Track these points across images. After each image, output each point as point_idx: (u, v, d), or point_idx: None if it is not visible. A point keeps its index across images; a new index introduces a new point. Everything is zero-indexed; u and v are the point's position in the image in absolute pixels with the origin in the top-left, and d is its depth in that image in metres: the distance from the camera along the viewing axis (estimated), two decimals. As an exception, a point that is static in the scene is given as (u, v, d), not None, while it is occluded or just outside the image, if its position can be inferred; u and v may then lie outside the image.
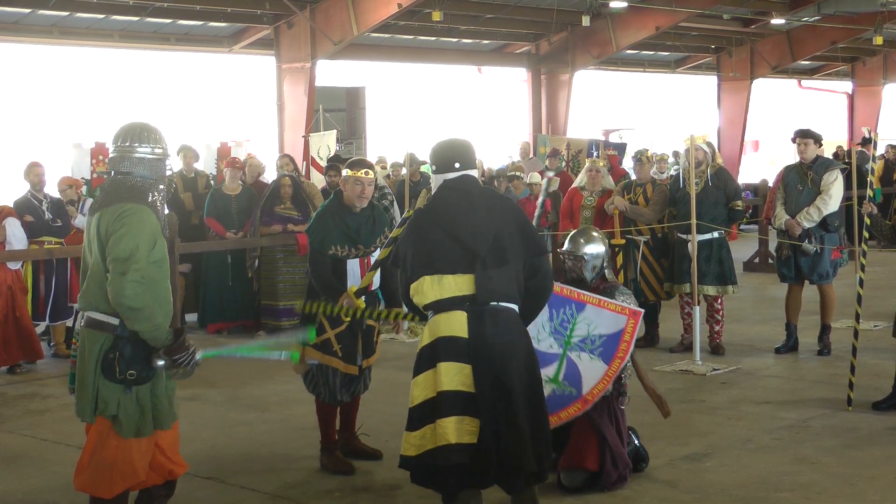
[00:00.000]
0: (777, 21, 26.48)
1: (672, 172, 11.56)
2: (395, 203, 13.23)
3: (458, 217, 5.55)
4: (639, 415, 8.49)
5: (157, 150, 5.36)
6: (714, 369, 9.96)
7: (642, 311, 6.71)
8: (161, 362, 5.14)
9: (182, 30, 20.88)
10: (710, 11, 25.15)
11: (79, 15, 18.98)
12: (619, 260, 11.03)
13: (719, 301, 10.71)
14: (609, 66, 27.99)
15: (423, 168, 16.73)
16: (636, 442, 6.95)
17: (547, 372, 6.38)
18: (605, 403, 6.60)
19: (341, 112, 24.74)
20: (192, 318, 12.78)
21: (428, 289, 5.52)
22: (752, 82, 30.01)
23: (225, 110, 21.31)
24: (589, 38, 25.43)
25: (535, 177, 14.83)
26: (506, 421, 5.39)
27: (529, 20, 24.48)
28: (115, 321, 5.13)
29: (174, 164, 5.32)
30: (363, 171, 7.19)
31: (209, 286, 12.58)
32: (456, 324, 5.46)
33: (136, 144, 5.32)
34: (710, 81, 30.87)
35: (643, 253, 11.01)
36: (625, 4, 22.51)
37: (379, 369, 10.15)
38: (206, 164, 15.87)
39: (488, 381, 5.40)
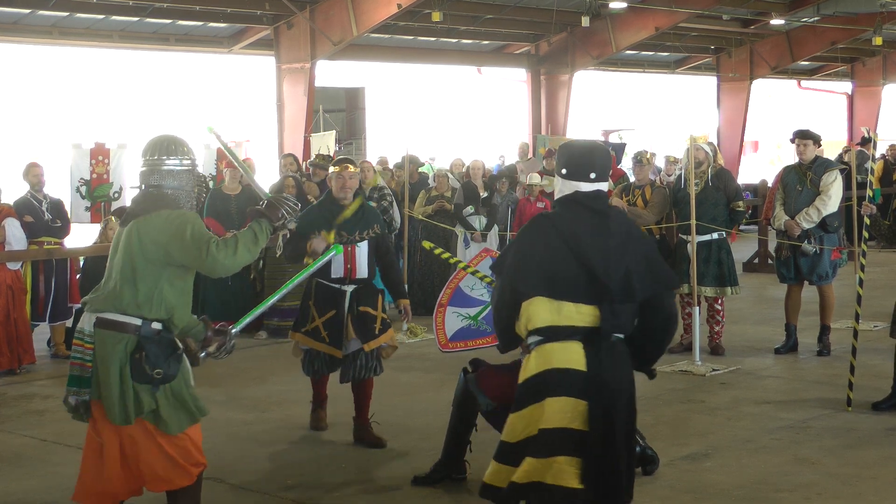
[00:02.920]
0: (776, 21, 26.51)
1: (678, 173, 11.55)
2: (395, 204, 13.22)
3: (591, 241, 4.88)
4: (638, 414, 8.48)
5: (185, 162, 5.46)
6: (714, 370, 9.96)
7: None
8: (203, 353, 5.39)
9: (182, 30, 20.90)
10: (710, 12, 25.18)
11: (78, 15, 18.99)
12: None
13: (719, 302, 10.71)
14: (609, 66, 28.02)
15: (423, 168, 16.73)
16: (641, 443, 6.88)
17: (468, 311, 6.54)
18: None
19: (341, 112, 24.77)
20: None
21: (543, 311, 4.89)
22: (751, 83, 30.05)
23: (225, 110, 21.32)
24: (588, 39, 25.45)
25: (535, 178, 14.82)
26: (608, 461, 4.88)
27: (529, 21, 24.51)
28: (137, 321, 5.21)
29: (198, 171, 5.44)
30: (345, 166, 7.86)
31: (209, 286, 12.56)
32: (573, 355, 4.86)
33: (165, 157, 5.42)
34: (709, 82, 30.91)
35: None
36: (624, 5, 22.53)
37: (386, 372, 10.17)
38: (205, 164, 15.87)
39: (600, 419, 4.85)
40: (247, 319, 5.66)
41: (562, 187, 5.03)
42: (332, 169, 7.94)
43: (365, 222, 7.77)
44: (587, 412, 4.84)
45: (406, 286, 11.86)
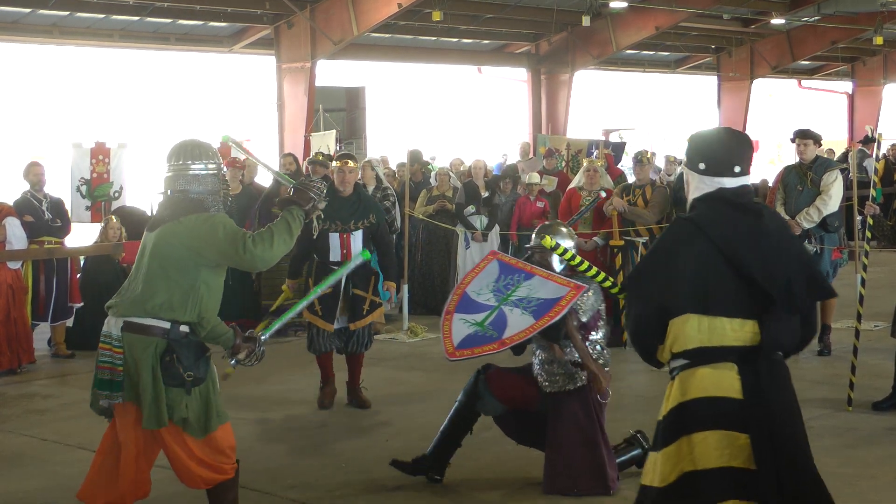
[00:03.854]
0: (777, 21, 26.51)
1: (679, 172, 11.56)
2: (397, 205, 13.21)
3: (747, 244, 4.22)
4: (636, 414, 8.50)
5: (210, 166, 5.48)
6: (714, 369, 9.93)
7: (586, 286, 6.47)
8: (234, 361, 5.46)
9: (182, 29, 20.90)
10: (710, 11, 25.19)
11: (79, 14, 19.00)
12: (618, 261, 11.03)
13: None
14: (609, 66, 28.01)
15: (430, 167, 16.68)
16: (645, 445, 6.85)
17: (475, 317, 6.44)
18: (582, 400, 6.53)
19: (341, 112, 24.76)
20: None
21: (692, 331, 4.18)
22: (752, 82, 30.06)
23: (225, 110, 21.32)
24: (589, 38, 25.46)
25: (535, 177, 14.82)
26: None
27: (529, 20, 24.51)
28: (167, 325, 5.23)
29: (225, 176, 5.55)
30: (345, 161, 8.89)
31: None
32: (726, 380, 4.16)
33: (190, 162, 5.45)
34: (710, 81, 30.92)
35: (641, 254, 11.00)
36: (625, 4, 22.54)
37: (379, 369, 10.19)
38: (206, 163, 15.84)
39: (768, 454, 4.14)
40: (276, 325, 5.71)
41: (699, 184, 4.34)
42: (334, 163, 9.07)
43: (361, 212, 8.74)
44: (749, 447, 4.13)
45: (406, 284, 11.93)
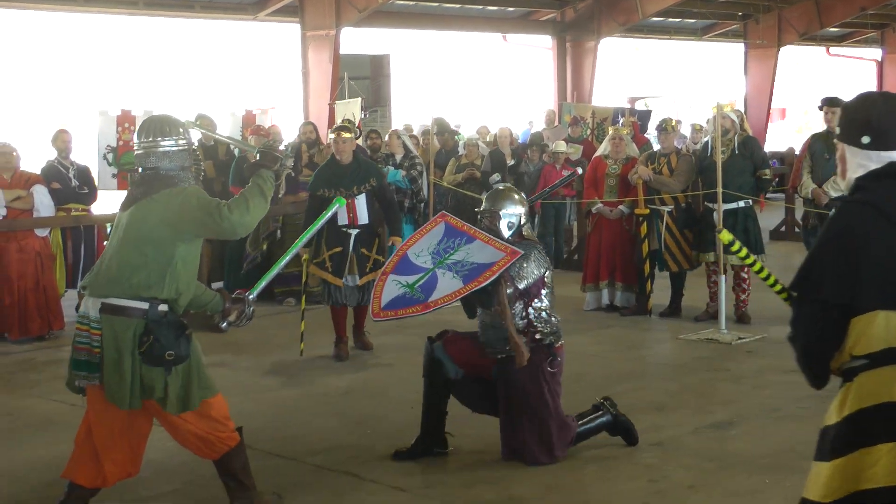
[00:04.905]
0: (805, -13, 26.23)
1: (705, 140, 11.50)
2: (425, 174, 13.21)
3: None
4: (663, 382, 8.52)
5: (180, 142, 5.48)
6: (740, 338, 9.94)
7: (522, 252, 6.44)
8: (225, 324, 5.58)
9: (207, -3, 20.90)
10: (738, -22, 24.95)
11: (105, -17, 18.99)
12: (643, 230, 11.00)
13: (745, 270, 10.67)
14: (635, 33, 27.81)
15: (458, 137, 16.59)
16: (612, 412, 6.79)
17: (407, 279, 6.48)
18: (529, 366, 6.44)
19: (366, 80, 24.70)
20: (217, 286, 12.85)
21: (881, 331, 3.54)
22: (779, 50, 29.75)
23: (250, 78, 21.32)
24: (615, 6, 25.27)
25: (561, 145, 14.78)
26: None
27: (555, -13, 24.36)
28: (145, 305, 5.23)
29: (194, 139, 5.56)
30: (339, 133, 9.68)
31: (234, 254, 12.62)
32: None
33: (160, 139, 5.45)
34: (736, 49, 30.64)
35: (667, 223, 10.96)
36: (651, -29, 22.35)
37: (402, 336, 10.23)
38: (231, 132, 15.90)
39: None
40: (262, 284, 5.77)
41: (863, 161, 3.67)
42: (330, 135, 9.94)
43: (361, 177, 9.50)
44: None
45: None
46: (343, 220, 9.39)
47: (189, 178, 5.48)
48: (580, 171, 11.80)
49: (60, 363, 9.64)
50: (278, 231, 12.47)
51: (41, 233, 10.69)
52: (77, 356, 5.36)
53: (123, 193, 13.24)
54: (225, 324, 5.57)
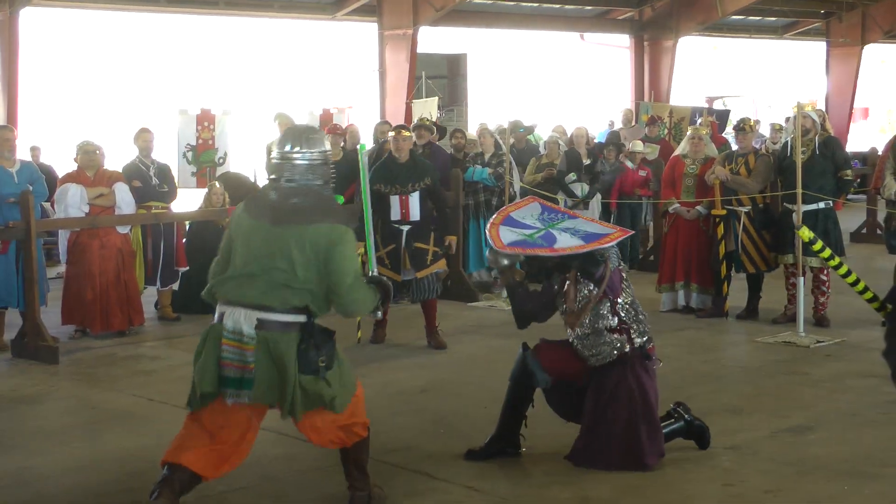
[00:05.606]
0: (890, -16, 25.75)
1: (784, 140, 11.35)
2: (515, 169, 13.27)
3: None
4: (740, 385, 8.42)
5: (324, 154, 5.40)
6: (818, 341, 9.80)
7: (632, 231, 6.75)
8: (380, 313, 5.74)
9: (286, -3, 21.10)
10: (820, -24, 24.57)
11: (186, -17, 19.27)
12: (720, 231, 10.88)
13: (825, 272, 10.51)
14: (714, 32, 27.52)
15: (532, 137, 16.57)
16: (686, 417, 6.72)
17: (524, 232, 6.48)
18: (622, 374, 6.39)
19: (443, 79, 24.75)
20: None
21: None
22: (862, 48, 29.21)
23: (327, 77, 21.49)
24: (693, 4, 25.04)
25: (638, 145, 14.68)
26: None
27: (633, -14, 24.20)
28: (303, 318, 5.21)
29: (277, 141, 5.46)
30: (399, 131, 10.02)
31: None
32: None
33: (305, 150, 5.35)
34: (818, 47, 30.16)
35: (744, 224, 10.83)
36: (731, -31, 22.10)
37: (479, 336, 10.25)
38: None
39: None
40: (373, 260, 5.85)
41: None
42: (390, 133, 10.37)
43: (417, 175, 9.76)
44: None
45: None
46: (395, 216, 9.73)
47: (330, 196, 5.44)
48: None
49: (141, 359, 9.82)
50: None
51: (122, 230, 10.86)
52: (226, 372, 5.19)
53: (202, 192, 13.46)
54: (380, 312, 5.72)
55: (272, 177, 5.48)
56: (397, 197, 9.75)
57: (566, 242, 6.40)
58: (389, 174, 9.80)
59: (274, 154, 5.44)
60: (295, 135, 5.43)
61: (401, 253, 9.74)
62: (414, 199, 9.79)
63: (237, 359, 5.17)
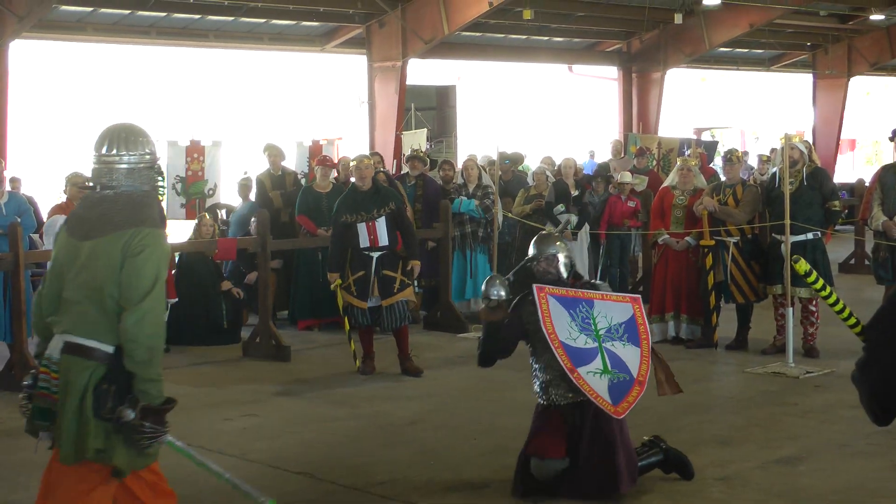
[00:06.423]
0: (876, 17, 25.96)
1: (772, 171, 11.39)
2: (499, 202, 13.27)
3: None
4: (729, 415, 8.42)
5: (146, 158, 4.66)
6: (807, 372, 9.80)
7: (638, 296, 6.80)
8: (130, 417, 4.39)
9: (275, 29, 21.16)
10: (806, 8, 24.74)
11: (176, 15, 19.34)
12: (709, 261, 10.90)
13: (814, 303, 10.53)
14: (702, 64, 27.69)
15: (522, 167, 16.62)
16: (662, 446, 6.69)
17: (596, 365, 6.41)
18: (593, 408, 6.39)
19: (432, 110, 24.86)
20: (283, 314, 12.95)
21: None
22: (849, 80, 29.42)
23: (317, 109, 21.55)
24: (681, 36, 25.19)
25: (626, 176, 14.72)
26: None
27: (621, 18, 24.34)
28: (110, 348, 4.45)
29: (162, 166, 4.56)
30: (360, 160, 10.23)
31: (300, 283, 12.70)
32: None
33: (123, 152, 4.62)
34: (805, 79, 30.37)
35: (732, 254, 10.84)
36: (718, 1, 22.24)
37: (468, 368, 10.22)
38: (298, 162, 16.05)
39: None
40: (180, 450, 4.78)
41: None
42: (351, 163, 10.63)
43: (380, 202, 9.93)
44: None
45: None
46: (364, 242, 9.90)
47: (158, 200, 4.71)
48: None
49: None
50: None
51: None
52: (38, 402, 4.54)
53: (191, 223, 13.43)
54: (131, 417, 4.40)
55: (89, 184, 4.77)
56: (364, 224, 9.90)
57: (633, 360, 6.49)
58: (354, 203, 9.99)
59: (92, 158, 4.69)
60: (112, 135, 4.65)
61: (370, 280, 9.86)
62: (381, 225, 9.94)
63: (46, 388, 4.51)
